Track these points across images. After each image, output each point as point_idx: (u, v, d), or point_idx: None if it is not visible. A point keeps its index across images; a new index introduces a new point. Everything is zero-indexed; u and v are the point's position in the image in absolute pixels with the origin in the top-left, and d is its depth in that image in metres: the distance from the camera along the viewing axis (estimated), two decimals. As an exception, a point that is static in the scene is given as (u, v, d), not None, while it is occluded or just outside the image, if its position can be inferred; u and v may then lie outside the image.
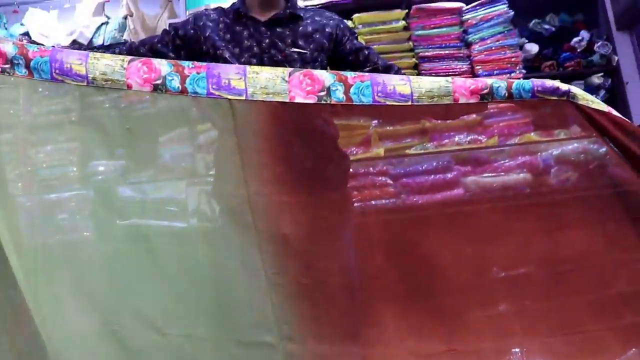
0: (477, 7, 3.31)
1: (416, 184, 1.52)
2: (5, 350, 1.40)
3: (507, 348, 1.44)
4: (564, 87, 1.47)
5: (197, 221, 1.58)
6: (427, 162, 1.53)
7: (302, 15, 1.74)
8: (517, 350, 1.43)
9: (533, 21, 3.56)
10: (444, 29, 3.29)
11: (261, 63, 1.66)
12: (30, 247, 1.44)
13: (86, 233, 1.56)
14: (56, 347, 1.38)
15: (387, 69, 1.75)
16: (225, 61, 1.65)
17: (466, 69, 3.26)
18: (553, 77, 3.40)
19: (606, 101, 3.73)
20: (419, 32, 3.29)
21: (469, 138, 1.90)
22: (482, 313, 1.51)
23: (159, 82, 1.38)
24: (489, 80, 1.47)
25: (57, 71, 1.39)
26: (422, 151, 1.51)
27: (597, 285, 1.53)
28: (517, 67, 3.28)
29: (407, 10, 3.28)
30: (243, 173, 1.41)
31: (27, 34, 3.64)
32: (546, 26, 3.56)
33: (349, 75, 1.42)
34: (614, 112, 1.48)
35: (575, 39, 3.49)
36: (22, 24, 3.69)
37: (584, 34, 3.50)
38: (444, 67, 3.25)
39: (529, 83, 1.46)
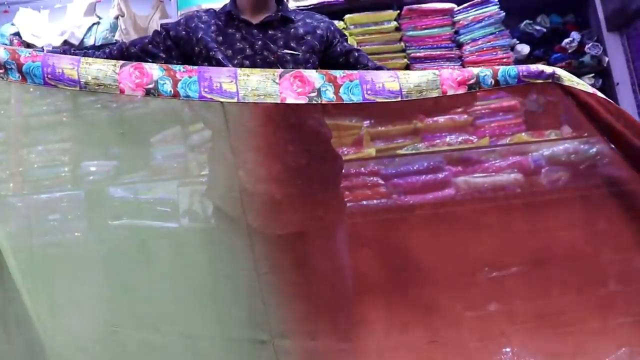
0: (469, 8, 3.32)
1: (407, 184, 1.52)
2: (4, 352, 1.40)
3: (498, 347, 1.45)
4: (549, 69, 1.50)
5: (190, 221, 1.58)
6: (418, 162, 1.53)
7: (293, 17, 1.75)
8: (507, 350, 1.44)
9: (524, 22, 3.58)
10: (436, 30, 3.30)
11: (254, 65, 1.66)
12: (26, 248, 1.43)
13: (77, 234, 1.56)
14: (55, 348, 1.37)
15: (378, 70, 1.75)
16: (218, 63, 1.65)
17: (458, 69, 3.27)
18: (544, 78, 3.43)
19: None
20: (411, 33, 3.30)
21: (461, 138, 1.91)
22: (473, 313, 1.51)
23: (151, 86, 1.38)
24: (475, 70, 1.49)
25: (49, 76, 1.39)
26: (414, 151, 1.51)
27: (588, 285, 1.54)
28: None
29: (398, 11, 3.29)
30: (236, 174, 1.42)
31: (17, 34, 3.62)
32: (537, 27, 3.58)
33: (338, 74, 1.43)
34: (599, 94, 1.50)
35: (566, 40, 3.51)
36: (12, 24, 3.67)
37: (575, 35, 3.52)
38: (436, 67, 3.26)
39: (514, 69, 1.49)
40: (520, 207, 1.59)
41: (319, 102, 1.39)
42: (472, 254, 1.54)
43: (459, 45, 3.33)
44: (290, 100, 1.38)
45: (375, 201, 1.54)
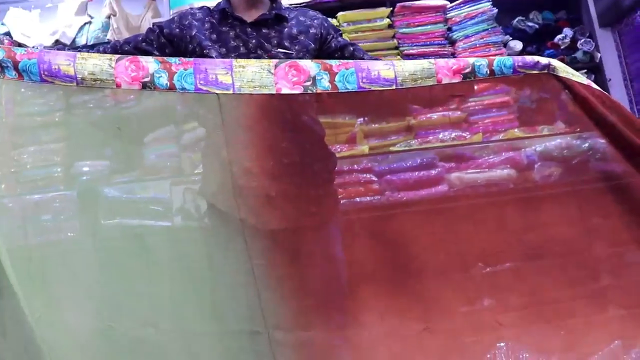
0: (461, 5, 3.33)
1: (400, 181, 1.52)
2: (1, 351, 1.40)
3: (492, 342, 1.45)
4: (544, 60, 1.51)
5: (185, 217, 1.58)
6: (411, 159, 1.53)
7: (287, 16, 1.75)
8: (502, 344, 1.44)
9: (517, 19, 3.59)
10: (428, 27, 3.30)
11: None
12: (20, 248, 1.43)
13: (70, 234, 1.56)
14: (51, 347, 1.37)
15: None
16: None
17: (451, 66, 3.28)
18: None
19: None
20: (404, 30, 3.30)
21: (454, 134, 1.91)
22: (467, 308, 1.52)
23: (147, 79, 1.38)
24: (471, 59, 1.50)
25: (45, 72, 1.38)
26: (407, 148, 1.51)
27: (581, 279, 1.54)
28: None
29: (391, 8, 3.29)
30: (230, 170, 1.41)
31: (8, 33, 3.61)
32: (530, 24, 3.59)
33: (334, 63, 1.43)
34: (594, 86, 1.51)
35: (559, 36, 3.52)
36: (3, 24, 3.65)
37: (567, 32, 3.53)
38: (429, 64, 3.26)
39: (509, 59, 1.50)
40: (514, 202, 1.59)
41: (314, 91, 1.39)
42: (466, 250, 1.55)
43: (452, 42, 3.34)
44: (285, 90, 1.39)
45: (368, 198, 1.54)
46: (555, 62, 1.50)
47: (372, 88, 1.41)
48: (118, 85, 1.37)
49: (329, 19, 1.86)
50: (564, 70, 1.51)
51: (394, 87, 1.41)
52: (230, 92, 1.38)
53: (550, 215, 1.60)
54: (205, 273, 1.47)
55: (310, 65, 1.41)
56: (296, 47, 1.71)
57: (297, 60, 1.44)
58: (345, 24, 3.26)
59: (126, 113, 1.50)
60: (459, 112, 2.83)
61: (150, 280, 1.45)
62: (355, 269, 1.45)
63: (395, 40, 3.28)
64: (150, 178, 1.84)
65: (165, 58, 1.42)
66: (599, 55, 3.51)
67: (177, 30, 1.72)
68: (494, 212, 1.58)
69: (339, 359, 1.51)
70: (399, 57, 3.24)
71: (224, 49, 1.68)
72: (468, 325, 1.49)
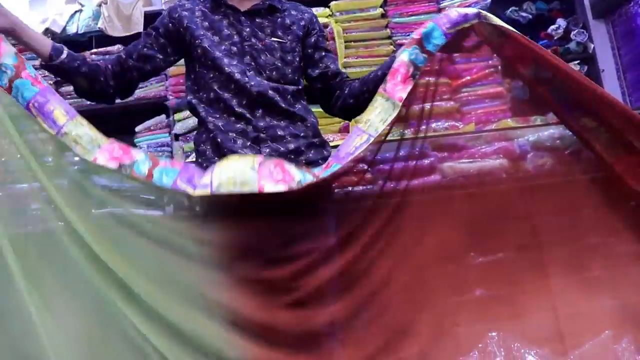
0: (455, -5, 3.33)
1: (393, 170, 1.52)
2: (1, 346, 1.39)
3: (484, 332, 1.46)
4: (472, 10, 1.51)
5: (176, 208, 1.56)
6: (404, 148, 1.52)
7: (279, 7, 1.75)
8: (494, 334, 1.45)
9: (510, 9, 3.59)
10: (422, 17, 3.29)
11: (242, 51, 1.66)
12: (9, 237, 1.42)
13: (60, 223, 1.54)
14: (47, 335, 1.36)
15: (335, 76, 1.76)
16: (205, 51, 1.64)
17: (444, 56, 3.28)
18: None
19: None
20: (397, 20, 3.30)
21: (447, 124, 1.91)
22: (459, 297, 1.52)
23: (126, 162, 1.36)
24: (404, 58, 1.48)
25: (36, 104, 1.36)
26: (399, 137, 1.50)
27: (572, 269, 1.55)
28: (494, 55, 3.29)
29: (384, -2, 3.29)
30: None
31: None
32: (523, 14, 3.59)
33: (317, 170, 1.40)
34: (519, 33, 1.53)
35: (552, 27, 3.53)
36: (-8, 12, 3.61)
37: (561, 22, 3.53)
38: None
39: (435, 29, 1.49)
40: (506, 192, 1.59)
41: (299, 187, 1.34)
42: (458, 239, 1.55)
43: (445, 32, 3.33)
44: (268, 188, 1.33)
45: (360, 187, 1.53)
46: (485, 12, 1.51)
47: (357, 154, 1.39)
48: (94, 160, 1.35)
49: (321, 9, 1.86)
50: (495, 19, 1.51)
51: (371, 141, 1.39)
52: (208, 191, 1.33)
53: (542, 205, 1.60)
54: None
55: (294, 171, 1.36)
56: (289, 37, 1.71)
57: (284, 162, 1.38)
58: (337, 13, 3.25)
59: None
60: (452, 102, 2.83)
61: (141, 269, 1.44)
62: (347, 256, 1.44)
63: (388, 30, 3.28)
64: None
65: (156, 156, 1.41)
66: (592, 46, 3.52)
67: (170, 25, 1.71)
68: (486, 201, 1.58)
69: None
70: (392, 46, 3.23)
71: (217, 37, 1.67)
72: (460, 314, 1.49)
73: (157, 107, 3.48)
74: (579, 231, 1.60)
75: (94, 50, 3.63)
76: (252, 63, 1.66)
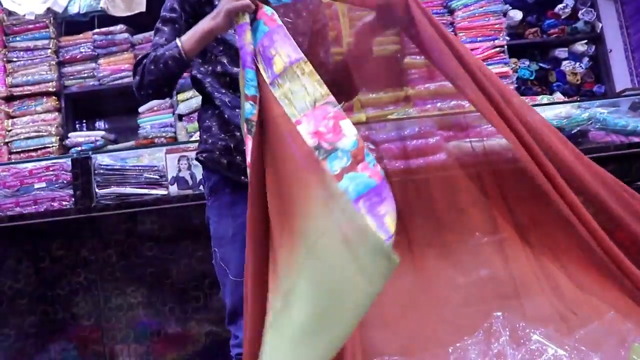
0: (461, -26, 3.28)
1: (398, 149, 1.51)
2: None
3: (489, 312, 1.45)
4: None
5: (180, 186, 1.56)
6: (409, 127, 1.51)
7: None
8: (499, 314, 1.44)
9: (517, -13, 3.53)
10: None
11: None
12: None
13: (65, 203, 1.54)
14: None
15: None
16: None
17: (450, 36, 3.24)
18: (537, 44, 3.40)
19: (590, 68, 3.72)
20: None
21: (452, 103, 1.87)
22: (465, 278, 1.52)
23: (325, 146, 1.14)
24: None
25: (260, 49, 1.29)
26: (405, 116, 1.48)
27: (577, 249, 1.53)
28: (501, 34, 3.26)
29: (390, -24, 3.23)
30: None
31: (-1, 1, 3.54)
32: (531, -8, 3.54)
33: None
34: None
35: (560, 6, 3.48)
36: (-7, -9, 3.58)
37: (568, 1, 3.48)
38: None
39: None
40: (512, 171, 1.58)
41: None
42: (464, 219, 1.54)
43: (451, 11, 3.29)
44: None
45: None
46: None
47: None
48: (296, 123, 1.16)
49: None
50: None
51: None
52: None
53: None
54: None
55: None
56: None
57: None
58: (343, -7, 3.20)
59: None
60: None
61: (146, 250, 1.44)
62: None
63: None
64: (145, 146, 1.81)
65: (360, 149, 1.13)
66: (600, 25, 3.47)
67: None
68: (492, 180, 1.57)
69: None
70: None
71: None
72: (465, 295, 1.49)
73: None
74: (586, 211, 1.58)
75: (96, 30, 3.61)
76: None
